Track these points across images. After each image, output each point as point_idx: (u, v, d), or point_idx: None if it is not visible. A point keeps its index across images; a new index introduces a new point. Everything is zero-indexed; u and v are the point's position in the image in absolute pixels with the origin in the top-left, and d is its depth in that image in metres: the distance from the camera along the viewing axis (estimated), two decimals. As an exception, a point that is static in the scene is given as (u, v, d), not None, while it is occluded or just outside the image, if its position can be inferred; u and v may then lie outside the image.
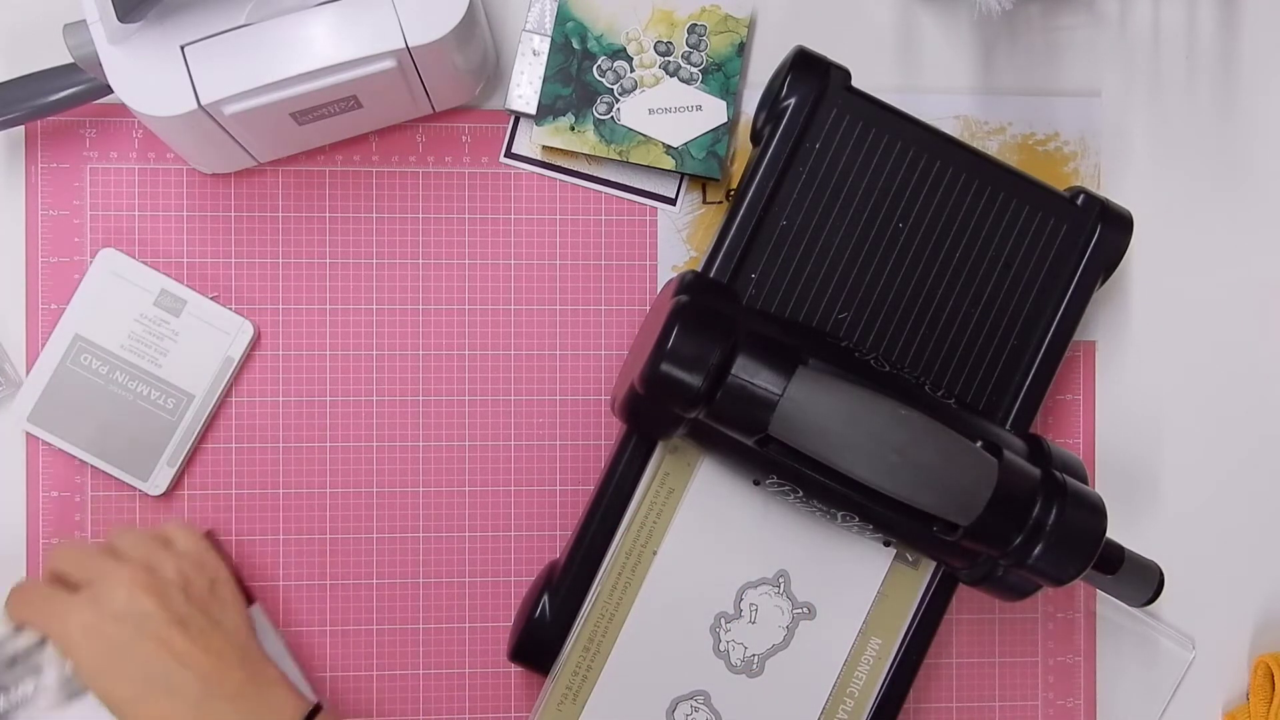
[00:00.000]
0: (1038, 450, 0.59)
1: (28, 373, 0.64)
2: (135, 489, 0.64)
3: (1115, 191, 0.70)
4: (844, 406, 0.53)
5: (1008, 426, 0.62)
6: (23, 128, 0.64)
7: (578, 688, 0.61)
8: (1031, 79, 0.69)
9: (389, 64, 0.57)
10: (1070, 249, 0.63)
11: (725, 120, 0.66)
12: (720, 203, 0.68)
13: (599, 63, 0.66)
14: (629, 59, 0.66)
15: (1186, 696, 0.69)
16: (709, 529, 0.61)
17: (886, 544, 0.61)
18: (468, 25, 0.58)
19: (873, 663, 0.62)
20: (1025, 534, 0.54)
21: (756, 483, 0.60)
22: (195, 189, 0.65)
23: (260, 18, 0.56)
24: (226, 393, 0.65)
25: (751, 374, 0.53)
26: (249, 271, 0.65)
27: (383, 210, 0.66)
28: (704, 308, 0.55)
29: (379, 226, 0.66)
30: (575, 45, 0.66)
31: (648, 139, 0.66)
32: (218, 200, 0.66)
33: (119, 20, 0.54)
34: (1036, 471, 0.56)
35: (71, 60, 0.58)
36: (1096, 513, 0.55)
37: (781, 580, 0.62)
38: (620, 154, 0.66)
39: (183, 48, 0.56)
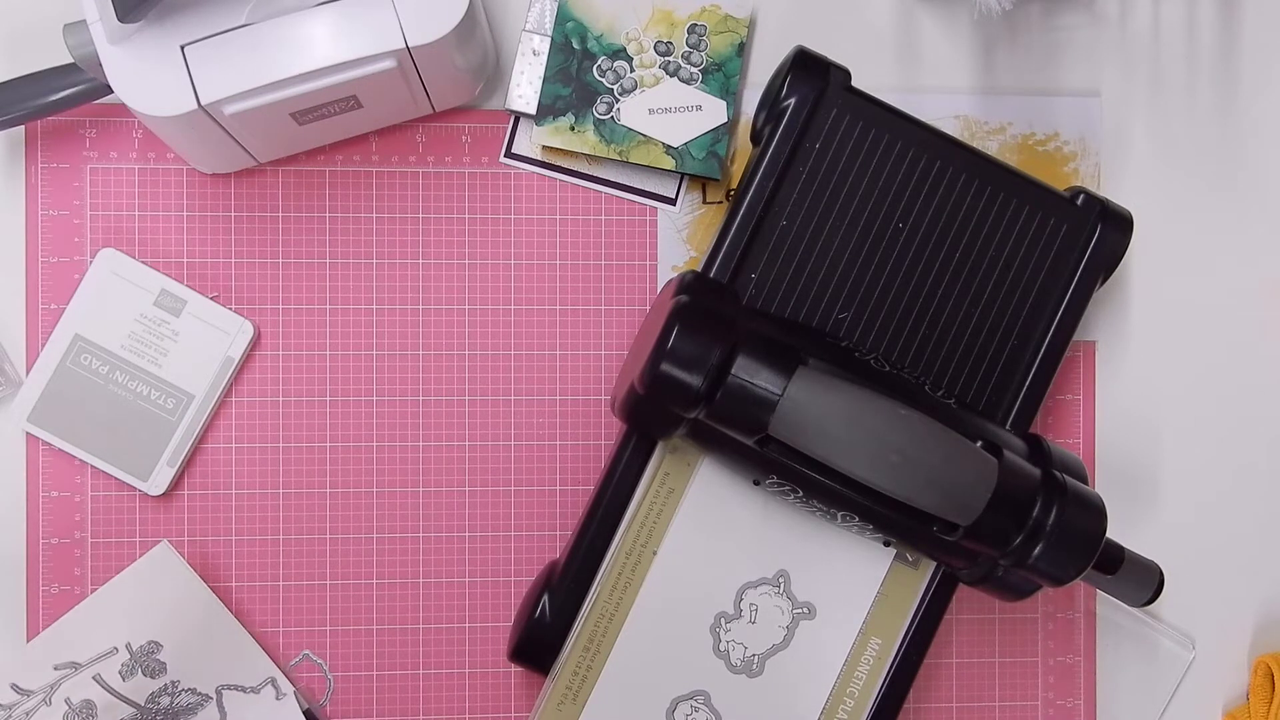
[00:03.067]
0: (1038, 450, 0.59)
1: (28, 373, 0.64)
2: (135, 489, 0.64)
3: (1115, 191, 0.70)
4: (844, 406, 0.53)
5: (1008, 426, 0.62)
6: (23, 128, 0.64)
7: (578, 688, 0.61)
8: (1031, 79, 0.70)
9: (389, 64, 0.57)
10: (1070, 249, 0.63)
11: (725, 120, 0.66)
12: (720, 203, 0.68)
13: (599, 63, 0.66)
14: (629, 59, 0.66)
15: (1186, 696, 0.69)
16: (709, 529, 0.61)
17: (886, 544, 0.61)
18: (468, 25, 0.58)
19: (873, 663, 0.62)
20: (1025, 534, 0.54)
21: (756, 483, 0.60)
22: (195, 189, 0.65)
23: (260, 18, 0.56)
24: (226, 393, 0.65)
25: (751, 374, 0.53)
26: (249, 271, 0.65)
27: (383, 210, 0.66)
28: (704, 308, 0.55)
29: (379, 226, 0.66)
30: (575, 45, 0.66)
31: (648, 139, 0.66)
32: (218, 200, 0.66)
33: (119, 20, 0.54)
34: (1036, 471, 0.56)
35: (71, 60, 0.58)
36: (1096, 513, 0.55)
37: (781, 580, 0.62)
38: (620, 154, 0.66)
39: (183, 48, 0.56)
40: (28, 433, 0.64)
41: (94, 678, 0.61)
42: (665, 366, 0.53)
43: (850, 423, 0.53)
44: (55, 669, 0.61)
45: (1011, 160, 0.69)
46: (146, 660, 0.62)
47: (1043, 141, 0.69)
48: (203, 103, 0.55)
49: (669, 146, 0.66)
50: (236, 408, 0.65)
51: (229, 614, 0.64)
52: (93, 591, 0.63)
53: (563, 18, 0.66)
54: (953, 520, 0.54)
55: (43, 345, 0.64)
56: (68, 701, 0.61)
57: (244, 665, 0.63)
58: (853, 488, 0.54)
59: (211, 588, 0.65)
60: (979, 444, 0.56)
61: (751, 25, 0.68)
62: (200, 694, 0.63)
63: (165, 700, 0.62)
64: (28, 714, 0.61)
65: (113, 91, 0.56)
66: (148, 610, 0.62)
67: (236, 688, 0.63)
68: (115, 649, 0.62)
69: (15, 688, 0.61)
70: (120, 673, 0.62)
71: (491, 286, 0.67)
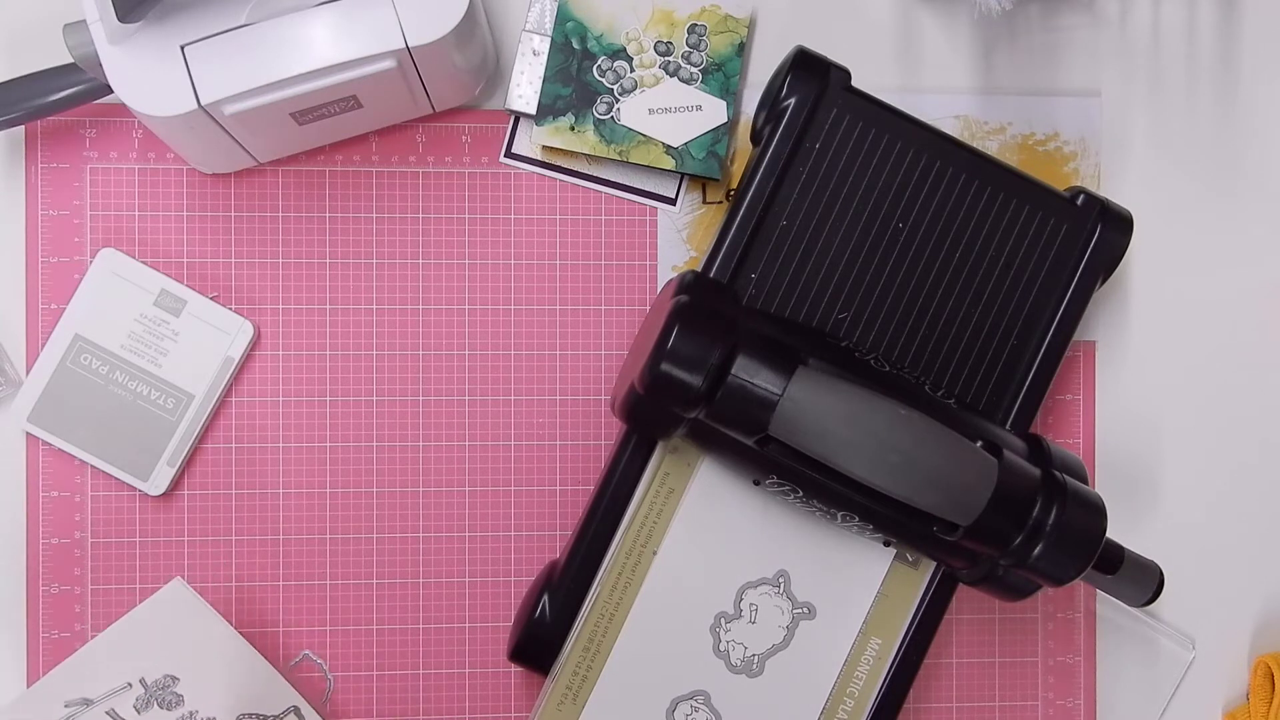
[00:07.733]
0: (1038, 450, 0.59)
1: (28, 373, 0.64)
2: (135, 489, 0.64)
3: (1115, 191, 0.70)
4: (844, 406, 0.53)
5: (1008, 426, 0.62)
6: (23, 128, 0.64)
7: (578, 688, 0.61)
8: (1031, 79, 0.70)
9: (389, 64, 0.57)
10: (1070, 249, 0.63)
11: (725, 120, 0.66)
12: (720, 203, 0.68)
13: (599, 63, 0.66)
14: (629, 59, 0.66)
15: (1186, 696, 0.69)
16: (709, 529, 0.61)
17: (886, 544, 0.61)
18: (468, 25, 0.58)
19: (873, 663, 0.62)
20: (1025, 534, 0.54)
21: (756, 483, 0.60)
22: (195, 189, 0.65)
23: (260, 18, 0.56)
24: (226, 393, 0.65)
25: (751, 374, 0.53)
26: (249, 271, 0.65)
27: (383, 210, 0.66)
28: (704, 308, 0.55)
29: (379, 226, 0.66)
30: (575, 45, 0.66)
31: (648, 139, 0.66)
32: (218, 200, 0.66)
33: (119, 20, 0.54)
34: (1036, 471, 0.56)
35: (71, 60, 0.58)
36: (1096, 513, 0.55)
37: (781, 580, 0.62)
38: (620, 154, 0.66)
39: (183, 48, 0.56)
40: (28, 433, 0.64)
41: (107, 713, 0.61)
42: (665, 366, 0.53)
43: (850, 423, 0.53)
44: (66, 706, 0.61)
45: (1011, 160, 0.69)
46: (163, 694, 0.61)
47: (1043, 141, 0.69)
48: (203, 103, 0.55)
49: (669, 146, 0.66)
50: (236, 408, 0.65)
51: (248, 646, 0.63)
52: (107, 627, 0.62)
53: (563, 18, 0.66)
54: (953, 520, 0.54)
55: (43, 345, 0.64)
56: None
57: (267, 694, 0.63)
58: (853, 488, 0.54)
59: (211, 588, 0.65)
60: (979, 444, 0.56)
61: (751, 25, 0.68)
62: None
63: None
64: None
65: (113, 91, 0.56)
66: (162, 646, 0.62)
67: (258, 716, 0.63)
68: (129, 684, 0.61)
69: None
70: (135, 706, 0.61)
71: (491, 286, 0.67)
